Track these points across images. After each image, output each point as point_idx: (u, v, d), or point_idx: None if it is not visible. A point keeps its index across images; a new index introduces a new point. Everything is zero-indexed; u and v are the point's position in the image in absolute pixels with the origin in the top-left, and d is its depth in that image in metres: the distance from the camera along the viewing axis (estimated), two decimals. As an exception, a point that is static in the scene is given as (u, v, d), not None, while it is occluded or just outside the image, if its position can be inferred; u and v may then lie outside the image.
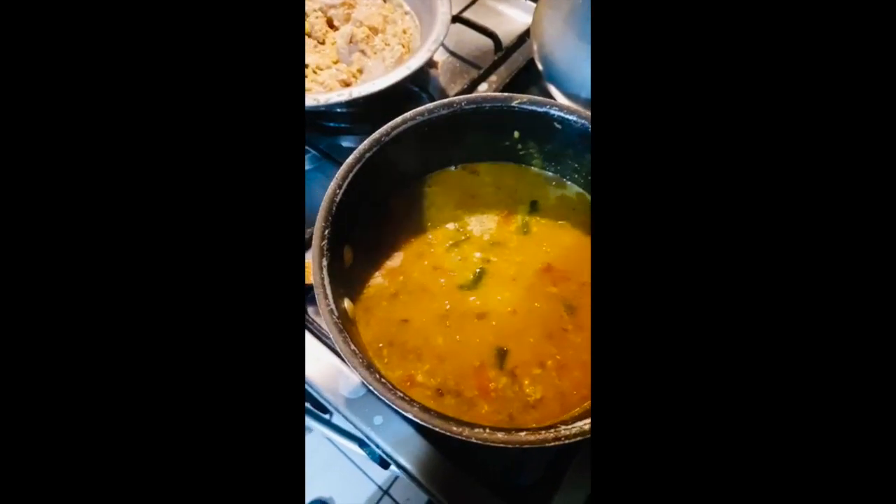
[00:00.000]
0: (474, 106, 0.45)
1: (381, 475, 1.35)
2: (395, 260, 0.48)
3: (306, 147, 0.65)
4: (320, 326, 0.54)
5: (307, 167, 0.68)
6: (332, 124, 0.69)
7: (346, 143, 0.70)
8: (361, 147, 0.42)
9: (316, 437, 1.26)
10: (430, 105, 0.45)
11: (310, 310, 0.55)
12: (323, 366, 0.53)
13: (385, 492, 1.38)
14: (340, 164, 0.62)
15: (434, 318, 0.45)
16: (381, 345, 0.44)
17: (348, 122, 0.69)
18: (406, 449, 0.49)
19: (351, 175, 0.41)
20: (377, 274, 0.47)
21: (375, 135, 0.43)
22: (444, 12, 0.63)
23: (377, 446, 0.51)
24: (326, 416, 0.72)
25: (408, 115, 0.44)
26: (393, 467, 0.53)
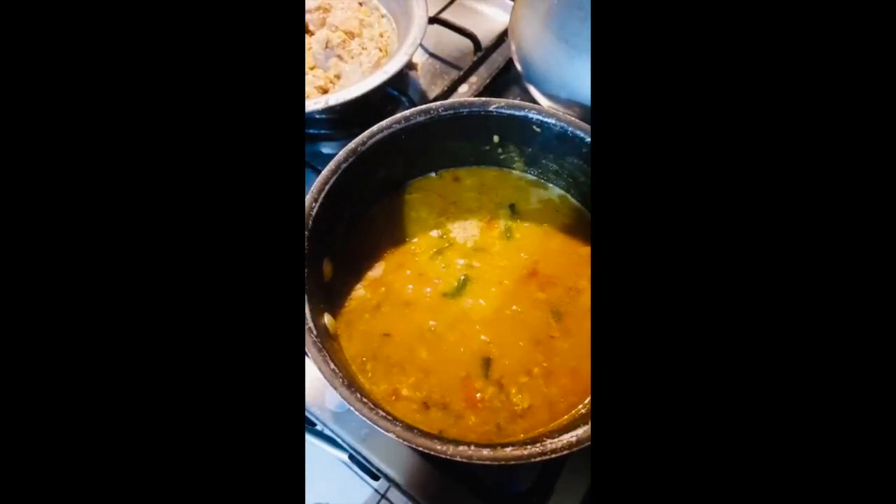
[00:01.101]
0: (452, 112, 0.44)
1: (378, 480, 1.34)
2: (377, 270, 0.47)
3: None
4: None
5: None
6: (311, 131, 0.68)
7: (326, 150, 0.69)
8: (337, 158, 0.41)
9: (310, 443, 1.26)
10: (406, 112, 0.44)
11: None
12: (308, 380, 0.53)
13: (382, 496, 1.37)
14: (319, 171, 0.62)
15: (418, 330, 0.44)
16: (364, 359, 0.43)
17: (328, 128, 0.68)
18: (395, 461, 0.48)
19: (327, 187, 0.40)
20: (358, 286, 0.46)
21: (351, 145, 0.42)
22: (420, 15, 0.62)
23: (365, 459, 0.50)
24: (316, 428, 0.71)
25: (384, 123, 0.43)
26: (383, 479, 0.52)
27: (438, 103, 0.44)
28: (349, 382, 0.33)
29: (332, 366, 0.33)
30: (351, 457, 0.55)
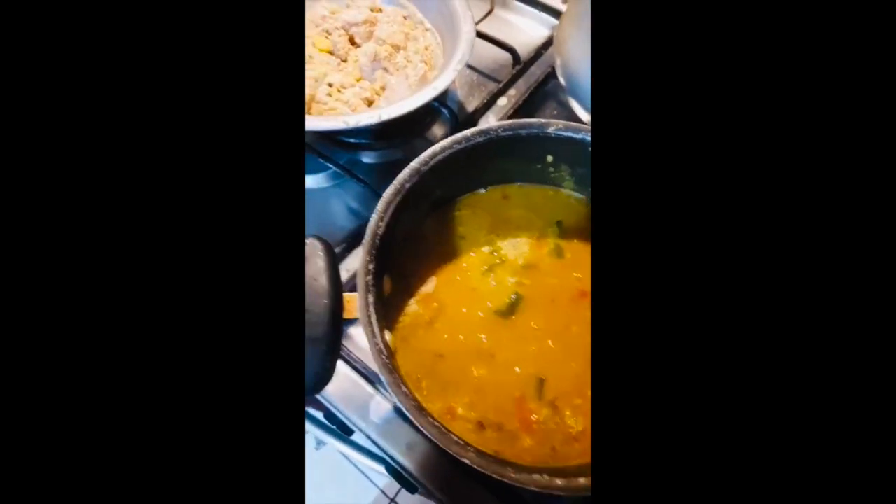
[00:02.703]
0: (511, 132, 0.45)
1: (386, 482, 1.35)
2: (429, 286, 0.48)
3: (326, 163, 0.65)
4: (349, 350, 0.54)
5: (327, 184, 0.68)
6: (352, 140, 0.68)
7: (366, 160, 0.69)
8: (400, 178, 0.42)
9: (330, 449, 1.27)
10: (467, 132, 0.44)
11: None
12: (352, 389, 0.53)
13: (392, 500, 1.38)
14: (360, 179, 0.62)
15: (471, 348, 0.45)
16: (419, 376, 0.43)
17: (369, 138, 0.68)
18: (439, 476, 0.49)
19: (392, 206, 0.40)
20: (412, 301, 0.47)
21: (414, 164, 0.42)
22: (467, 31, 0.62)
23: (408, 473, 0.50)
24: (353, 438, 0.72)
25: (445, 142, 0.44)
26: (421, 492, 0.53)
27: (497, 124, 0.45)
28: (420, 405, 0.34)
29: (405, 388, 0.34)
30: (389, 468, 0.55)
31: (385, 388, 0.52)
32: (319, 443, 1.30)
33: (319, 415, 0.72)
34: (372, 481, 1.40)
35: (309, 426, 0.80)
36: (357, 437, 0.73)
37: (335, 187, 0.67)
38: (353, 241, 0.60)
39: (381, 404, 0.52)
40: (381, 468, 0.63)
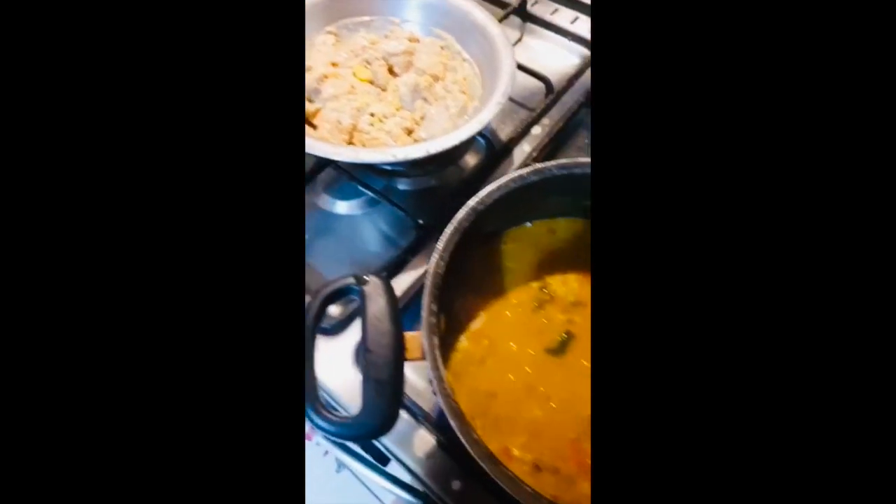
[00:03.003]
0: (565, 172, 0.45)
1: (393, 498, 1.33)
2: (478, 322, 0.48)
3: (365, 190, 0.65)
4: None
5: (361, 210, 0.68)
6: (388, 167, 0.68)
7: (401, 186, 0.70)
8: (460, 218, 0.42)
9: (331, 460, 1.25)
10: (522, 171, 0.44)
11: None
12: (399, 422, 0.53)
13: (404, 520, 1.36)
14: (399, 206, 0.63)
15: (523, 387, 0.44)
16: (473, 415, 0.43)
17: (405, 165, 0.68)
18: (484, 513, 0.48)
19: (452, 246, 0.41)
20: (462, 337, 0.47)
21: (471, 203, 0.43)
22: (508, 63, 0.63)
23: (450, 508, 0.50)
24: (386, 468, 0.71)
25: (501, 182, 0.44)
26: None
27: (553, 163, 0.45)
28: (492, 454, 0.33)
29: (476, 436, 0.34)
30: (426, 500, 0.55)
31: (426, 423, 0.52)
32: (340, 466, 1.28)
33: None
34: (379, 499, 1.38)
35: (331, 447, 0.79)
36: (390, 468, 0.72)
37: (368, 214, 0.68)
38: (393, 269, 0.60)
39: (424, 438, 0.52)
40: (418, 501, 0.63)
